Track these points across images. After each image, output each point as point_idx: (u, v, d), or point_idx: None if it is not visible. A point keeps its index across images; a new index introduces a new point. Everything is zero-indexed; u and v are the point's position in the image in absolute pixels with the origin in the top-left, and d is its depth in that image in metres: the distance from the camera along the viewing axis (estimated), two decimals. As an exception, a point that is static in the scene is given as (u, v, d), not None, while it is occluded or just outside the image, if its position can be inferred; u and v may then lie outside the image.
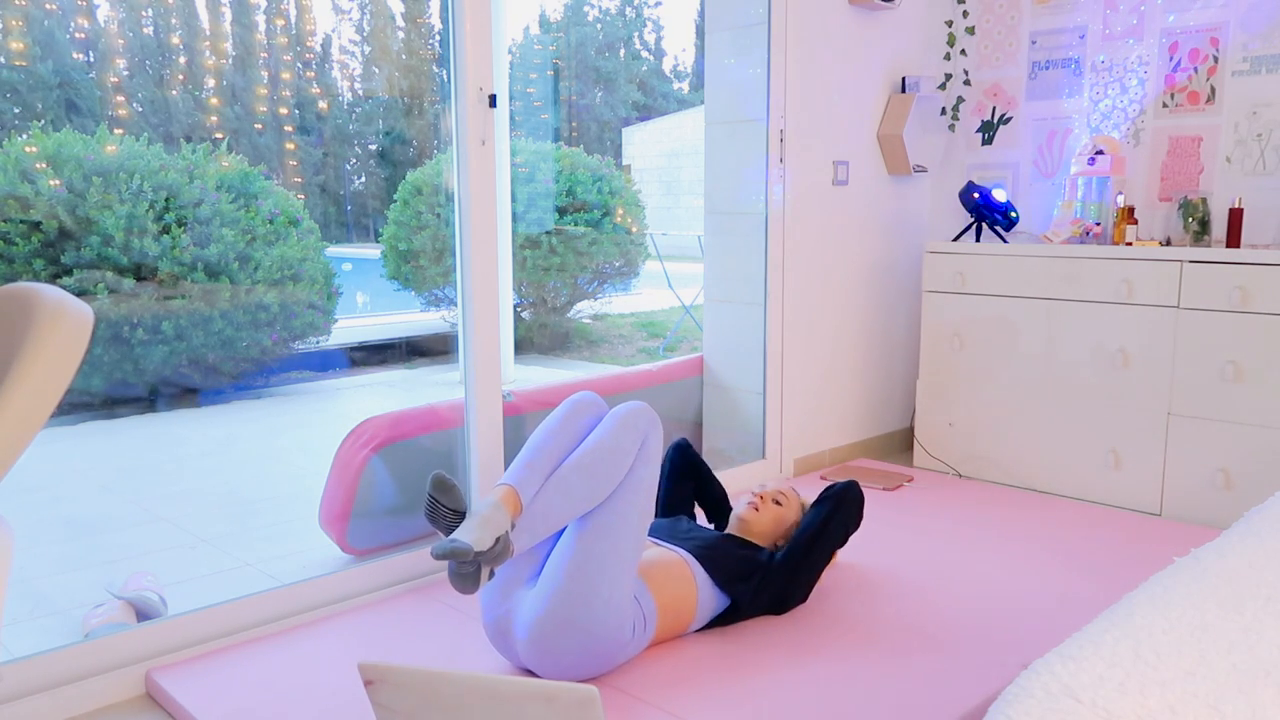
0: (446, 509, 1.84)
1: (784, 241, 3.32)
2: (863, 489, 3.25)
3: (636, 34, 20.84)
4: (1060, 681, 1.03)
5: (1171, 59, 3.23)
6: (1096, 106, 3.42)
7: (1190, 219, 3.12)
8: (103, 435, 4.33)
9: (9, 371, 1.08)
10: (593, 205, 6.54)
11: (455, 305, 3.59)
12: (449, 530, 1.83)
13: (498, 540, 1.77)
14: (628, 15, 20.73)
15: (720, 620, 2.18)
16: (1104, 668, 1.06)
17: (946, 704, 1.86)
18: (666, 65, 21.47)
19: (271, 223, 5.03)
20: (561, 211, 6.49)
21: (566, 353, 6.77)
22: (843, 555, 2.64)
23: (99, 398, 4.57)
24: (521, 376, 5.75)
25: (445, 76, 2.50)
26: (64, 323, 1.12)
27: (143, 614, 2.28)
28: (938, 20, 3.78)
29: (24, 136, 4.56)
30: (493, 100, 2.43)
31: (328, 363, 5.65)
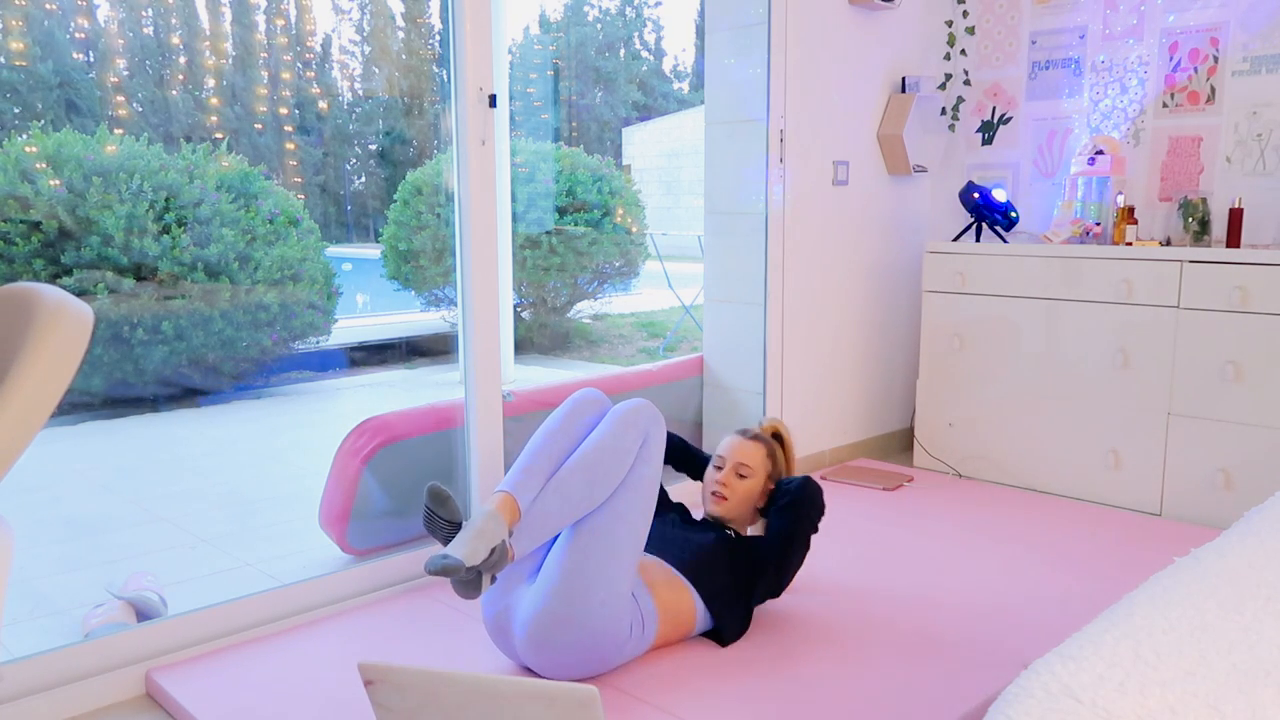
0: (443, 520, 1.84)
1: (784, 241, 3.32)
2: (829, 482, 3.25)
3: (636, 34, 20.86)
4: (1060, 681, 1.03)
5: (1171, 59, 3.23)
6: (1096, 106, 3.42)
7: (1190, 219, 3.12)
8: (103, 435, 4.33)
9: (9, 372, 1.08)
10: (593, 205, 6.54)
11: (455, 305, 3.59)
12: (447, 540, 1.83)
13: (493, 551, 1.77)
14: (628, 15, 20.75)
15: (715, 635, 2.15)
16: (1104, 668, 1.06)
17: (946, 704, 1.86)
18: (666, 65, 21.50)
19: (271, 223, 5.03)
20: (561, 211, 6.48)
21: (566, 353, 6.77)
22: (843, 556, 2.64)
23: (99, 398, 4.57)
24: (521, 376, 5.75)
25: (445, 76, 2.50)
26: (64, 323, 1.12)
27: (143, 614, 2.28)
28: (938, 20, 3.78)
29: (24, 136, 4.56)
30: (493, 100, 2.43)
31: (328, 363, 5.65)
